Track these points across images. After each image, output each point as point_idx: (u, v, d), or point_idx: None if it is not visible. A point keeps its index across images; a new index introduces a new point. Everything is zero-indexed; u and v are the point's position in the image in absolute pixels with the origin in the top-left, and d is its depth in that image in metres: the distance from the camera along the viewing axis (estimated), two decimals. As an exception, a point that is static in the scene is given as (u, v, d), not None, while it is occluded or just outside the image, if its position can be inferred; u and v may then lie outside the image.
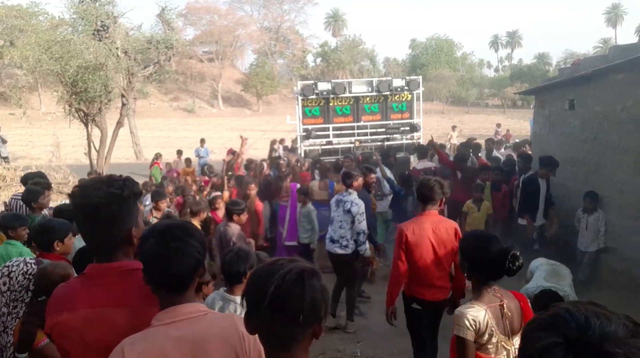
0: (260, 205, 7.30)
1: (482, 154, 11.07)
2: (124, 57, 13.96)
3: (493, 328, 2.57)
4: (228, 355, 1.59)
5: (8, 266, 3.09)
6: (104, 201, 1.72)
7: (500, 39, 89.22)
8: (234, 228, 5.40)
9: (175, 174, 11.89)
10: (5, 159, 15.80)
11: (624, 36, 77.34)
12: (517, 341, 2.61)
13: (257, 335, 1.56)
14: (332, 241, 5.71)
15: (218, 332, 1.60)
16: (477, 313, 2.56)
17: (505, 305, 2.62)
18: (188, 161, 13.53)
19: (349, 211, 5.51)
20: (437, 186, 3.96)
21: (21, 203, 5.57)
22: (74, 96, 12.58)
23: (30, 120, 14.52)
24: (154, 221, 6.24)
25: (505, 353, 2.63)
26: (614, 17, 78.08)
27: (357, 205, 5.50)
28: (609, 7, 78.59)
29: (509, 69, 75.20)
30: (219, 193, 7.34)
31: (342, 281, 5.89)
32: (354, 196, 5.62)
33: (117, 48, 13.66)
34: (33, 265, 3.09)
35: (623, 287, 5.97)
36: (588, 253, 6.56)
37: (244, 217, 5.54)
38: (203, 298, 3.85)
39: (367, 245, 5.66)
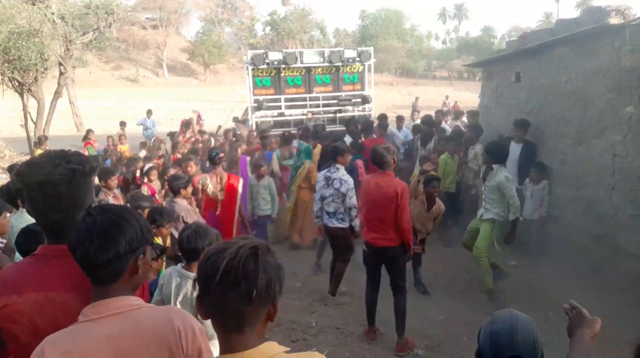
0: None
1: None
2: (60, 23, 13.17)
3: None
4: (160, 353, 1.47)
5: None
6: (66, 178, 1.62)
7: (447, 11, 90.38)
8: (181, 203, 5.26)
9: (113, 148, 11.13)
10: None
11: (566, 11, 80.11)
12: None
13: (198, 331, 1.52)
14: (329, 215, 5.67)
15: (149, 328, 1.48)
16: None
17: None
18: (122, 138, 12.29)
19: (337, 190, 5.50)
20: (384, 152, 4.72)
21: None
22: (6, 64, 11.75)
23: (-43, 89, 13.48)
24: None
25: None
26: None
27: (346, 182, 5.47)
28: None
29: (456, 42, 76.54)
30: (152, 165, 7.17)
31: (338, 255, 5.85)
32: (341, 172, 5.58)
33: (52, 13, 12.86)
34: None
35: (565, 253, 6.31)
36: (531, 221, 6.86)
37: (190, 190, 5.45)
38: (157, 274, 3.75)
39: (358, 219, 5.58)
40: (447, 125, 11.49)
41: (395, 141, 9.70)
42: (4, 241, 2.92)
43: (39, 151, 10.04)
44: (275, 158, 8.26)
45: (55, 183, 1.61)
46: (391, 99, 38.13)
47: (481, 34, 69.21)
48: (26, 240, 2.96)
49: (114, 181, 5.99)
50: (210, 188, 6.22)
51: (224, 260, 1.25)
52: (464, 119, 13.51)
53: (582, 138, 6.15)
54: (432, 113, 12.24)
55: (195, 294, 1.34)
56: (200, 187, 6.25)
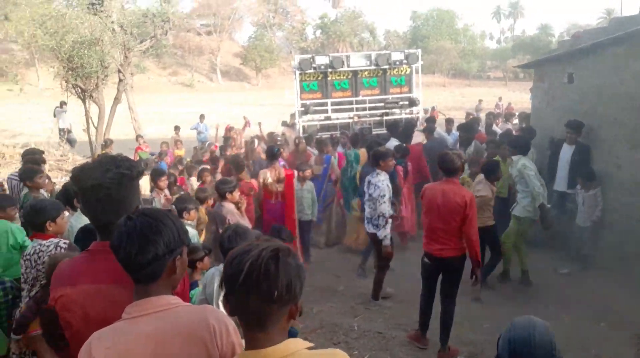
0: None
1: (482, 128, 11.04)
2: (120, 31, 13.79)
3: None
4: (197, 350, 1.56)
5: (41, 245, 3.08)
6: (116, 182, 1.76)
7: (502, 10, 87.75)
8: (228, 207, 5.39)
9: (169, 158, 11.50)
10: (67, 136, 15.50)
11: (631, 7, 75.92)
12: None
13: (232, 328, 1.59)
14: (367, 220, 5.75)
15: (186, 326, 1.57)
16: None
17: None
18: (179, 143, 12.81)
19: (371, 195, 5.56)
20: (455, 158, 4.54)
21: (16, 182, 5.61)
22: (70, 72, 12.46)
23: (28, 97, 14.44)
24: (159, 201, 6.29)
25: None
26: (619, -14, 76.49)
27: (378, 188, 5.45)
28: (614, -24, 76.90)
29: (511, 41, 74.17)
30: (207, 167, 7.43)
31: (376, 261, 5.88)
32: (380, 177, 5.55)
33: (112, 22, 13.48)
34: (62, 250, 3.05)
35: (619, 261, 6.04)
36: (584, 228, 6.59)
37: (237, 194, 5.51)
38: (202, 273, 3.91)
39: (387, 230, 5.52)
40: (499, 128, 11.22)
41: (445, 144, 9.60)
42: (67, 241, 3.14)
43: (106, 152, 10.74)
44: (334, 161, 8.20)
45: (106, 186, 1.76)
46: (443, 101, 37.40)
47: (538, 32, 66.69)
48: (84, 238, 3.17)
49: (164, 182, 6.26)
50: (269, 181, 6.75)
51: (247, 262, 1.33)
52: (516, 121, 13.14)
53: (637, 141, 5.86)
54: (484, 115, 11.97)
55: (222, 294, 1.43)
56: (262, 181, 6.77)
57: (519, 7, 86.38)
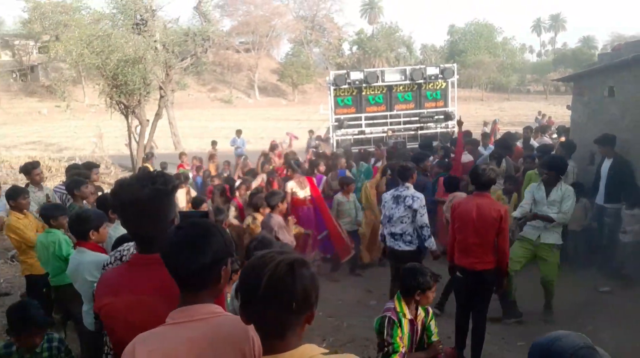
0: None
1: (519, 143, 10.85)
2: (162, 50, 14.29)
3: None
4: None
5: (120, 251, 3.22)
6: (152, 197, 1.85)
7: (543, 22, 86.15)
8: (276, 218, 5.65)
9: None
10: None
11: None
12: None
13: None
14: (394, 237, 5.54)
15: (227, 335, 1.63)
16: None
17: None
18: (212, 156, 12.89)
19: (410, 207, 5.42)
20: (489, 173, 4.56)
21: (60, 194, 5.89)
22: (114, 89, 12.97)
23: (74, 112, 15.09)
24: None
25: None
26: (666, -4, 73.98)
27: (418, 198, 5.40)
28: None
29: (552, 54, 72.64)
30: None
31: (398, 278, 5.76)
32: (411, 190, 5.53)
33: (155, 41, 14.00)
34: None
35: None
36: (626, 245, 6.36)
37: (285, 206, 5.86)
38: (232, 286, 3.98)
39: (433, 238, 5.50)
40: (536, 142, 10.99)
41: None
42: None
43: (147, 165, 11.13)
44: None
45: (142, 201, 1.85)
46: (481, 115, 36.84)
47: (580, 45, 65.13)
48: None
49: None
50: (297, 190, 7.27)
51: (265, 275, 1.38)
52: (554, 135, 12.83)
53: (683, 156, 5.65)
54: (521, 129, 11.76)
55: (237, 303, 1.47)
56: (290, 191, 7.19)
57: (560, 20, 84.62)
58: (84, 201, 5.56)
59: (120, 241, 3.56)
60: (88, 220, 3.75)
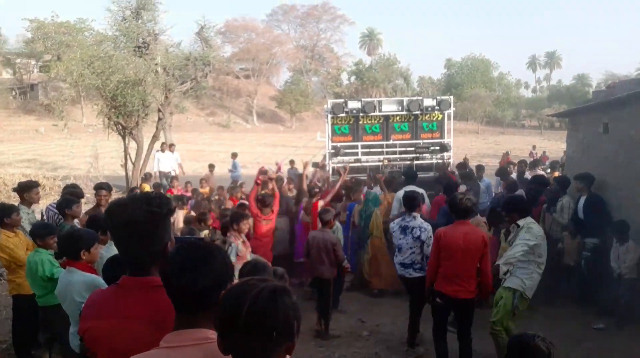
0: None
1: (514, 176, 10.90)
2: (162, 73, 14.43)
3: None
4: None
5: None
6: (146, 219, 1.81)
7: (538, 59, 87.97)
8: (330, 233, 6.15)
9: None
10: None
11: (669, 58, 74.77)
12: None
13: None
14: (404, 266, 5.58)
15: None
16: None
17: None
18: (203, 182, 12.47)
19: (418, 238, 5.45)
20: (468, 202, 4.65)
21: (54, 212, 5.83)
22: (113, 110, 13.05)
23: (71, 132, 15.11)
24: None
25: None
26: (658, 38, 75.87)
27: (426, 230, 5.43)
28: (653, 28, 76.48)
29: (547, 90, 73.84)
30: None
31: (415, 305, 5.66)
32: (419, 220, 5.55)
33: (156, 64, 14.14)
34: None
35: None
36: (620, 281, 6.32)
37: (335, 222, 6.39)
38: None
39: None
40: (529, 175, 11.06)
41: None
42: None
43: (146, 185, 11.11)
44: (357, 210, 8.11)
45: (136, 223, 1.81)
46: (476, 148, 37.22)
47: (574, 82, 66.31)
48: (113, 269, 3.26)
49: (245, 226, 5.75)
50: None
51: (246, 304, 1.33)
52: (548, 169, 12.95)
53: (677, 194, 5.68)
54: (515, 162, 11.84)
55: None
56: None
57: (556, 57, 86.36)
58: (75, 221, 5.51)
59: (112, 261, 3.52)
60: (80, 240, 3.71)
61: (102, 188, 6.51)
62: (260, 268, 3.23)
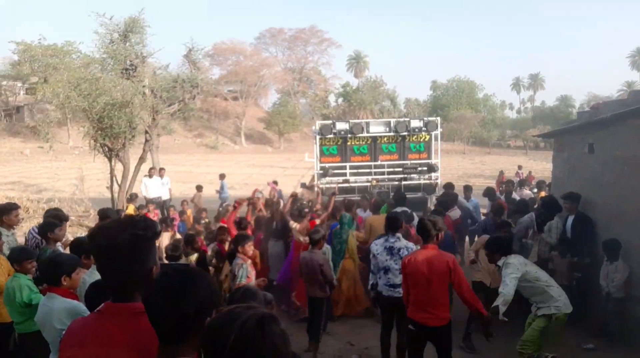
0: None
1: (502, 196, 10.97)
2: (150, 95, 14.38)
3: None
4: None
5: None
6: (130, 242, 1.75)
7: (522, 81, 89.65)
8: (319, 253, 6.12)
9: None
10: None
11: (649, 80, 76.67)
12: None
13: None
14: (394, 286, 5.46)
15: None
16: None
17: None
18: (184, 203, 12.64)
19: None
20: (430, 225, 4.56)
21: (33, 235, 5.71)
22: (99, 132, 12.93)
23: (57, 154, 14.94)
24: None
25: None
26: (638, 60, 77.92)
27: (411, 249, 5.38)
28: (633, 51, 78.59)
29: (531, 111, 75.09)
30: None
31: (402, 327, 5.51)
32: (403, 241, 5.54)
33: (144, 86, 14.09)
34: None
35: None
36: (609, 300, 6.31)
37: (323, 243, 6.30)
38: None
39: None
40: (517, 195, 11.14)
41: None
42: None
43: (131, 206, 10.94)
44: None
45: (120, 246, 1.75)
46: (462, 168, 37.52)
47: (558, 103, 67.53)
48: (96, 295, 3.16)
49: (250, 247, 5.64)
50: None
51: (232, 333, 1.28)
52: (534, 189, 13.06)
53: (662, 213, 5.72)
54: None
55: None
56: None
57: (539, 79, 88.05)
58: (58, 244, 5.38)
59: (94, 287, 3.42)
60: (61, 265, 3.60)
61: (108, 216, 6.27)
62: (250, 295, 3.16)
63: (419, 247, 5.36)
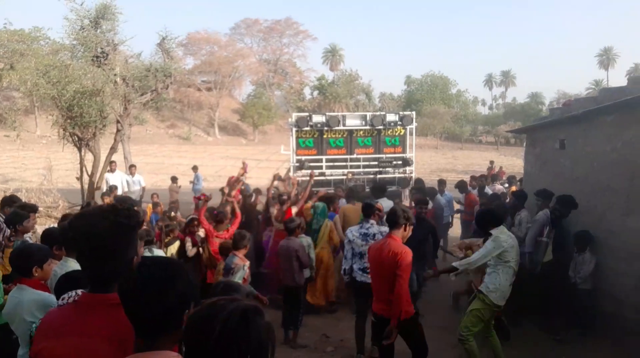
0: None
1: (474, 191, 11.13)
2: (121, 83, 14.05)
3: None
4: None
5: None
6: (112, 231, 1.70)
7: (494, 78, 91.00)
8: (296, 241, 6.23)
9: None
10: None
11: (616, 78, 79.09)
12: None
13: None
14: (365, 271, 5.53)
15: None
16: None
17: None
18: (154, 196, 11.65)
19: None
20: (400, 213, 4.49)
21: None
22: (69, 121, 12.57)
23: (24, 143, 14.48)
24: None
25: None
26: (605, 60, 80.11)
27: (385, 232, 5.34)
28: (601, 50, 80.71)
29: (503, 107, 76.46)
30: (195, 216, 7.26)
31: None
32: (376, 226, 5.68)
33: (115, 75, 13.76)
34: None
35: (615, 329, 5.90)
36: (581, 293, 6.46)
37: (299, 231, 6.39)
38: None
39: None
40: (490, 189, 11.33)
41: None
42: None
43: (107, 199, 10.54)
44: (338, 220, 7.94)
45: (101, 235, 1.70)
46: (435, 163, 38.00)
47: (528, 100, 68.90)
48: (68, 287, 3.06)
49: (247, 242, 5.62)
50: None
51: (216, 327, 1.25)
52: (505, 184, 13.30)
53: (631, 209, 5.89)
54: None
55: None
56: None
57: (510, 76, 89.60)
58: (27, 235, 5.21)
59: (66, 279, 3.32)
60: (31, 256, 3.49)
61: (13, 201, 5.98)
62: (232, 287, 3.12)
63: (382, 228, 5.50)
